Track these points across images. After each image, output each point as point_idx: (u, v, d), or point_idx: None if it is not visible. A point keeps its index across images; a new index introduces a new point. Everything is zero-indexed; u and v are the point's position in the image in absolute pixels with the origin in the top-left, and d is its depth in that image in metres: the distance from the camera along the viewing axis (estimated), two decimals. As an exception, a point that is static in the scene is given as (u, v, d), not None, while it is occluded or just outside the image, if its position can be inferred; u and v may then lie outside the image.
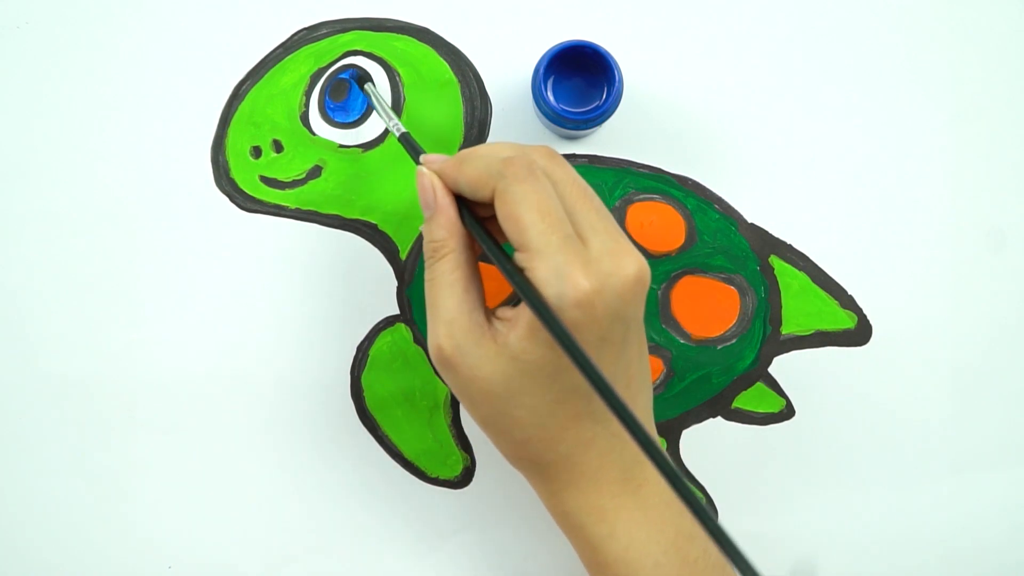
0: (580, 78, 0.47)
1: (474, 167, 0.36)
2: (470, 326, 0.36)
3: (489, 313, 0.37)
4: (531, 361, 0.35)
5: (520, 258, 0.34)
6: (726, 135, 0.48)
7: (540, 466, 0.38)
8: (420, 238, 0.48)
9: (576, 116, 0.45)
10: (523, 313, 0.35)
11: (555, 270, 0.33)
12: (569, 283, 0.33)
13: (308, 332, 0.48)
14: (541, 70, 0.45)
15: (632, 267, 0.34)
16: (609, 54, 0.45)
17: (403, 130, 0.43)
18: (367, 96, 0.47)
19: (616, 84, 0.45)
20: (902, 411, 0.48)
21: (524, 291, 0.34)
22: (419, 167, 0.38)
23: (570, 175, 0.36)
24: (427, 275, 0.37)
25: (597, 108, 0.45)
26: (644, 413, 0.38)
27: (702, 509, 0.29)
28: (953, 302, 0.48)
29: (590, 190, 0.37)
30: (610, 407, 0.31)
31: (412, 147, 0.41)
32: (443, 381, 0.37)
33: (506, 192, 0.35)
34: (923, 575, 0.48)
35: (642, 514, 0.37)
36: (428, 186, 0.37)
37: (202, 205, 0.48)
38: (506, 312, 0.36)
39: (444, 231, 0.37)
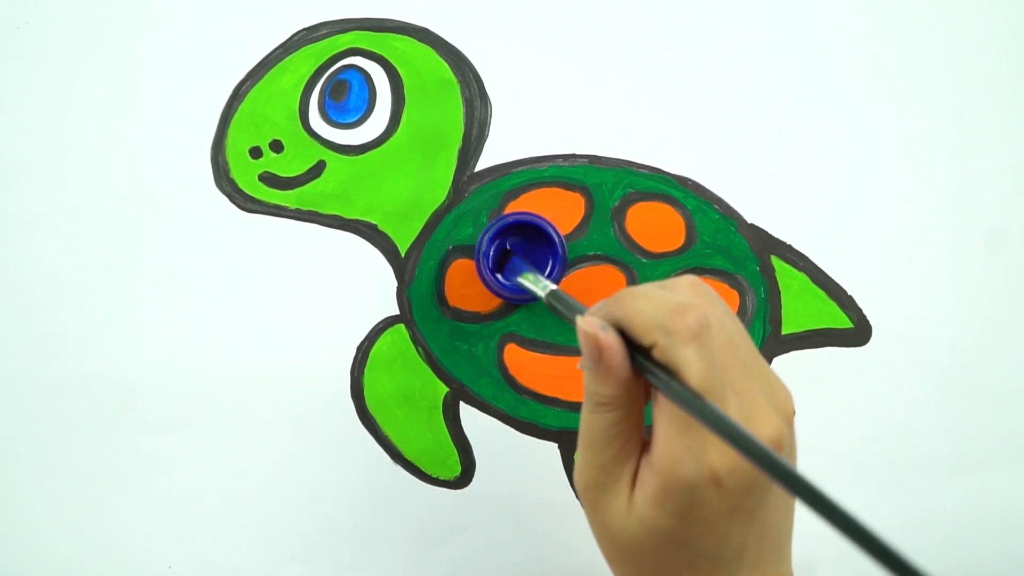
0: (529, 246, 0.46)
1: (638, 309, 0.32)
2: (614, 478, 0.33)
3: (641, 460, 0.34)
4: (656, 528, 0.32)
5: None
6: (726, 135, 0.48)
7: None
8: (421, 238, 0.48)
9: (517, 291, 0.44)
10: (651, 478, 0.32)
11: (692, 449, 0.31)
12: (704, 461, 0.31)
13: (308, 332, 0.48)
14: (483, 246, 0.45)
15: (769, 431, 0.32)
16: (551, 226, 0.44)
17: (552, 287, 0.38)
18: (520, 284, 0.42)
19: (559, 260, 0.44)
20: (902, 411, 0.48)
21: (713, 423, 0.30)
22: (579, 319, 0.33)
23: (732, 330, 0.33)
24: (587, 418, 0.34)
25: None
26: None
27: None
28: (953, 302, 0.48)
29: (739, 338, 0.33)
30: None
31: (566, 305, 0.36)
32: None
33: (669, 352, 0.31)
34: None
35: None
36: (591, 337, 0.32)
37: (202, 205, 0.48)
38: (644, 469, 0.33)
39: (612, 390, 0.32)
